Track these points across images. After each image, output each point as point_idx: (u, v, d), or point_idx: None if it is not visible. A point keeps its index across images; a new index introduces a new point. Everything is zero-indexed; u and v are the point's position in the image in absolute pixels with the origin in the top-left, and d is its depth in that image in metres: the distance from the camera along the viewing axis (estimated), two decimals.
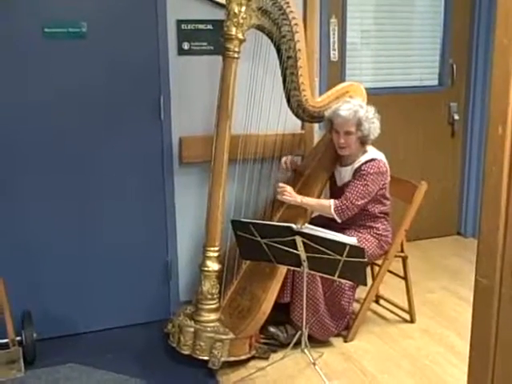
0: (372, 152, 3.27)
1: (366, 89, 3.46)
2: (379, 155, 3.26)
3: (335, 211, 3.15)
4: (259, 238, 2.78)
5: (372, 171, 3.17)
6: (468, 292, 1.61)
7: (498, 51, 1.33)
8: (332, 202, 3.18)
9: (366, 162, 3.21)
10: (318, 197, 3.31)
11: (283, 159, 3.49)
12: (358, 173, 3.20)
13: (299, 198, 3.19)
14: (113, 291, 3.44)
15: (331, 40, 4.10)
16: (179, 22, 3.32)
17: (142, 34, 3.25)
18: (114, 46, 3.20)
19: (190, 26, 3.35)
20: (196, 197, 3.49)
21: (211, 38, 3.37)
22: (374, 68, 4.48)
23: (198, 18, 3.36)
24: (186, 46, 3.36)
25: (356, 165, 3.24)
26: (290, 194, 3.19)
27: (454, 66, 4.63)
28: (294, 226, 2.66)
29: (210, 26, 3.37)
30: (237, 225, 2.85)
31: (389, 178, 3.30)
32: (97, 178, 3.30)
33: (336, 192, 3.33)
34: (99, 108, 3.23)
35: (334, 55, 4.15)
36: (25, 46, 3.04)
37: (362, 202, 3.17)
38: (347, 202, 3.14)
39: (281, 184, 3.25)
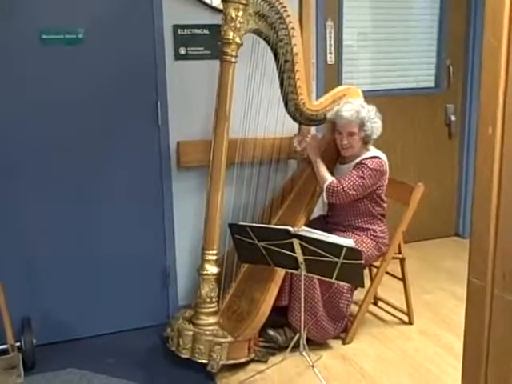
0: (375, 151, 3.30)
1: (363, 91, 3.47)
2: (382, 155, 3.29)
3: (327, 188, 3.19)
4: (257, 241, 2.79)
5: (372, 166, 3.19)
6: (466, 293, 1.63)
7: (487, 52, 1.35)
8: (331, 180, 3.21)
9: (369, 158, 3.23)
10: (316, 198, 3.34)
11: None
12: (358, 165, 3.23)
13: (315, 157, 3.31)
14: (112, 296, 3.44)
15: (327, 43, 4.11)
16: (176, 27, 3.34)
17: (139, 39, 3.26)
18: (110, 51, 3.22)
19: (186, 31, 3.37)
20: (194, 201, 3.50)
21: (208, 43, 3.39)
22: (370, 70, 4.49)
23: (194, 22, 3.37)
24: (182, 50, 3.38)
25: (358, 160, 3.26)
26: (313, 148, 3.34)
27: (451, 68, 4.65)
28: (291, 228, 2.67)
29: (206, 31, 3.39)
30: (234, 228, 2.87)
31: (387, 180, 3.31)
32: (95, 183, 3.31)
33: None
34: (96, 113, 3.24)
35: (331, 58, 4.16)
36: (22, 52, 3.06)
37: (354, 193, 3.18)
38: (339, 187, 3.16)
39: (315, 135, 3.42)
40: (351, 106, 3.21)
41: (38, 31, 3.06)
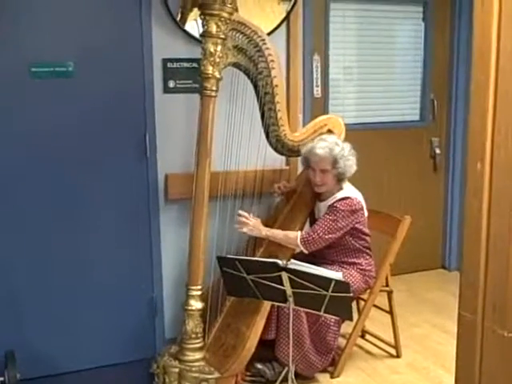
0: (347, 190, 3.28)
1: (349, 124, 3.50)
2: (354, 193, 3.27)
3: (301, 242, 3.15)
4: (245, 274, 2.78)
5: (344, 208, 3.18)
6: (453, 325, 1.63)
7: (475, 88, 1.37)
8: (299, 233, 3.18)
9: (340, 200, 3.21)
10: (301, 229, 3.32)
11: (276, 185, 3.51)
12: (330, 208, 3.22)
13: (264, 231, 3.21)
14: (98, 329, 3.40)
15: (314, 77, 4.16)
16: (165, 61, 3.37)
17: (128, 72, 3.29)
18: (100, 84, 3.23)
19: (175, 65, 3.40)
20: (182, 233, 3.47)
21: (196, 77, 3.39)
22: (356, 104, 4.54)
23: (183, 56, 3.41)
24: (171, 84, 3.41)
25: (331, 201, 3.25)
26: (252, 227, 3.21)
27: (435, 102, 4.72)
28: (279, 261, 2.66)
29: (195, 65, 3.40)
30: (223, 261, 2.85)
31: (365, 215, 3.31)
32: (82, 214, 3.30)
33: None
34: (86, 145, 3.25)
35: (317, 91, 4.21)
36: (11, 86, 3.07)
37: (330, 236, 3.17)
38: (314, 235, 3.15)
39: (241, 212, 3.24)
40: (325, 143, 3.21)
41: (28, 64, 3.07)
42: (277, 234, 3.22)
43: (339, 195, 3.24)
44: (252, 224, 3.21)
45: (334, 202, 3.22)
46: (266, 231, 3.22)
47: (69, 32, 3.15)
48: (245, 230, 3.22)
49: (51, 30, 3.12)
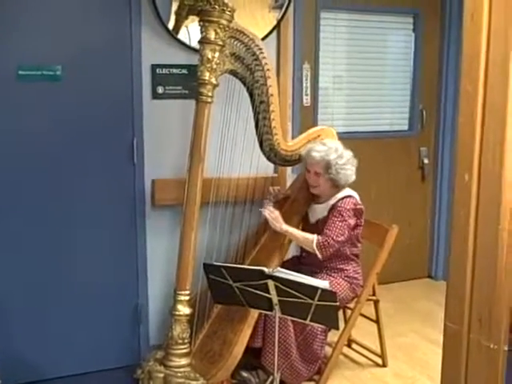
0: (348, 190, 3.30)
1: (338, 133, 3.50)
2: (354, 194, 3.30)
3: (317, 247, 3.14)
4: (231, 282, 2.76)
5: (348, 207, 3.19)
6: (439, 335, 1.63)
7: (464, 99, 1.37)
8: (315, 237, 3.17)
9: (343, 198, 3.23)
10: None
11: (270, 188, 3.53)
12: (334, 209, 3.22)
13: (284, 227, 3.21)
14: (82, 335, 3.37)
15: (304, 85, 4.17)
16: (154, 67, 3.36)
17: (117, 77, 3.28)
18: (88, 89, 3.22)
19: (164, 71, 3.39)
20: (168, 239, 3.47)
21: (186, 83, 3.41)
22: (345, 113, 4.55)
23: (172, 62, 3.40)
24: (160, 89, 3.40)
25: (332, 201, 3.26)
26: (276, 220, 3.21)
27: (424, 112, 4.74)
28: (266, 269, 2.65)
29: (184, 71, 3.41)
30: (209, 268, 2.84)
31: (363, 220, 3.32)
32: (67, 220, 3.28)
33: (309, 229, 3.32)
34: (73, 150, 3.23)
35: (307, 100, 4.22)
36: None
37: (343, 238, 3.17)
38: (329, 239, 3.14)
39: (271, 209, 3.26)
40: (323, 147, 3.22)
41: (15, 67, 3.05)
42: (295, 233, 3.22)
43: (340, 195, 3.26)
44: (274, 216, 3.21)
45: (337, 201, 3.23)
46: (286, 227, 3.21)
47: (57, 36, 3.13)
48: (266, 214, 3.22)
49: (40, 34, 3.10)
